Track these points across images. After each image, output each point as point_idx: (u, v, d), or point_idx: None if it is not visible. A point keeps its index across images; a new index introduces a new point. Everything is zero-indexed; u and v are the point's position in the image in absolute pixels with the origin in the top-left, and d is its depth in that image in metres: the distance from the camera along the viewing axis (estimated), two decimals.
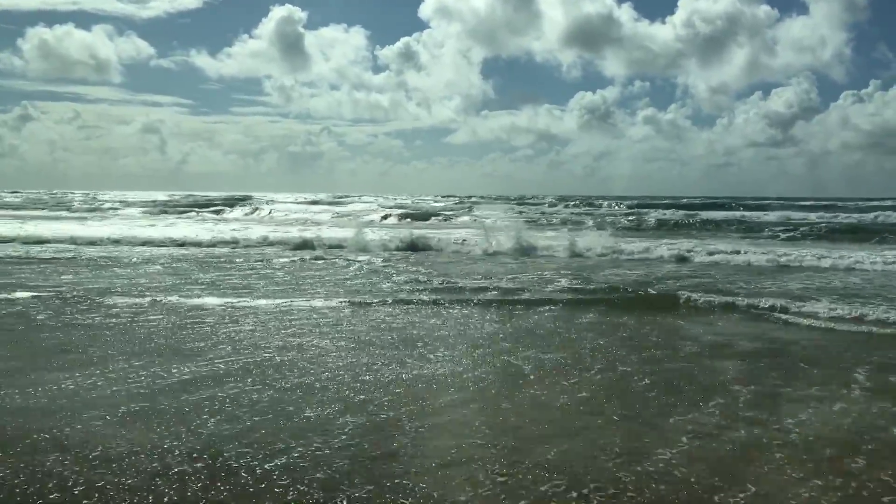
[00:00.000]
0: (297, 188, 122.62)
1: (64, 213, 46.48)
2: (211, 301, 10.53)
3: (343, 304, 10.49)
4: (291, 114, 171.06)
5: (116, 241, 22.33)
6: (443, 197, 78.79)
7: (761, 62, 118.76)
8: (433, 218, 39.58)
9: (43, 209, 51.56)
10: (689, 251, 17.49)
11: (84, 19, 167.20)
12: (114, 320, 9.03)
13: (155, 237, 23.42)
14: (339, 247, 20.57)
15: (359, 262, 16.50)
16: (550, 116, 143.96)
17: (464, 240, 20.46)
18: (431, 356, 7.26)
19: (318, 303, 10.51)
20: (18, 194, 79.33)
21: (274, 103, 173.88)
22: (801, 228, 28.18)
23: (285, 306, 10.13)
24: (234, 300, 10.60)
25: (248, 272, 14.64)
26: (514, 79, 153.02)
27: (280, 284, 12.73)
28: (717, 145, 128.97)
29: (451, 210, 48.06)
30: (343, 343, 7.83)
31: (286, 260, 17.25)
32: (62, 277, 13.40)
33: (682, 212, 43.81)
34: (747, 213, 41.44)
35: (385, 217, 40.54)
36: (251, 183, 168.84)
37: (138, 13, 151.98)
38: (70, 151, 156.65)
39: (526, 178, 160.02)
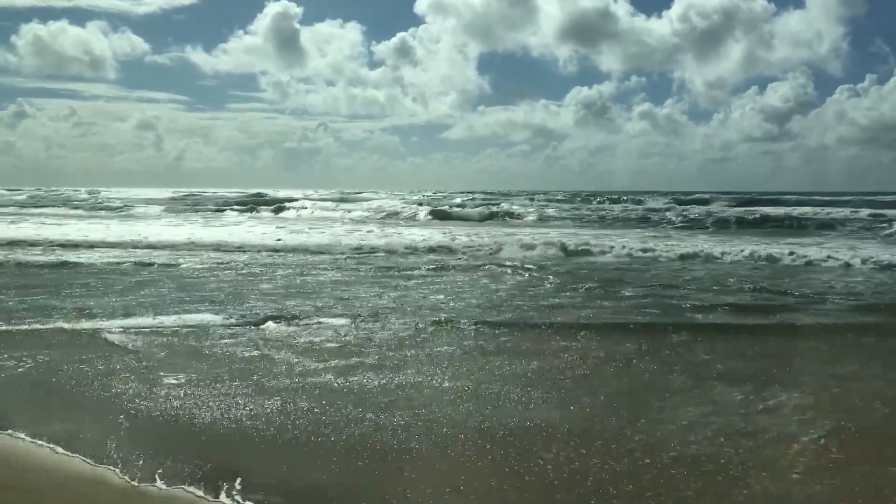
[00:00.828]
0: (294, 184, 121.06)
1: (85, 213, 44.91)
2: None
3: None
4: (287, 110, 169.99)
5: (194, 245, 21.46)
6: (453, 193, 78.24)
7: (758, 57, 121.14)
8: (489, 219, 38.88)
9: (58, 207, 49.73)
10: (849, 257, 17.40)
11: (78, 15, 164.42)
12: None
13: (252, 241, 22.59)
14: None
15: (536, 272, 15.94)
16: (547, 112, 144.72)
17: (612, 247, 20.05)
18: None
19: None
20: (19, 192, 76.35)
21: (270, 99, 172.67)
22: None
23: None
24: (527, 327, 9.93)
25: (462, 284, 14.01)
26: (510, 74, 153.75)
27: (530, 297, 12.14)
28: (713, 140, 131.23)
29: (472, 207, 47.47)
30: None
31: (458, 263, 16.60)
32: (256, 289, 12.71)
33: (714, 207, 44.14)
34: (781, 210, 41.73)
35: (441, 216, 39.82)
36: (248, 179, 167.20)
37: (133, 9, 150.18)
38: (66, 148, 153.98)
39: (522, 173, 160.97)
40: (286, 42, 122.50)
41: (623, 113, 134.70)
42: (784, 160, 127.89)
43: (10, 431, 5.34)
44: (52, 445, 5.03)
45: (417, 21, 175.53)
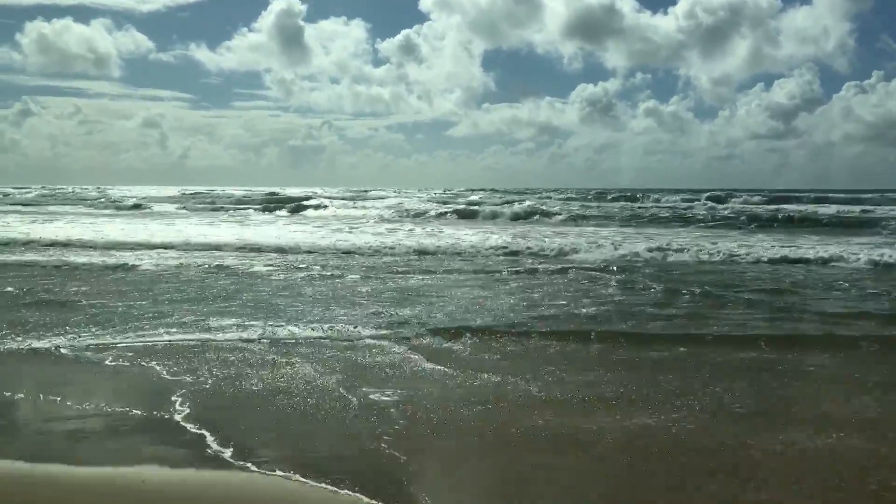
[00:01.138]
0: (299, 182, 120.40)
1: (108, 211, 44.07)
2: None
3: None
4: (292, 107, 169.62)
5: (246, 246, 20.71)
6: (461, 191, 77.61)
7: (764, 53, 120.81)
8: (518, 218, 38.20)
9: (75, 205, 48.82)
10: None
11: (83, 13, 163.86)
12: None
13: (305, 242, 21.92)
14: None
15: (626, 275, 15.40)
16: (552, 109, 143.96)
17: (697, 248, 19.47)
18: None
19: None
20: (27, 190, 75.06)
21: (274, 97, 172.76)
22: None
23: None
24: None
25: (566, 288, 13.47)
26: (515, 71, 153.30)
27: (654, 304, 11.61)
28: (718, 137, 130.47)
29: (491, 205, 46.72)
30: None
31: (536, 266, 15.99)
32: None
33: (744, 205, 43.68)
34: (807, 207, 41.24)
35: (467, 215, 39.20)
36: (253, 177, 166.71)
37: (137, 7, 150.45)
38: (71, 146, 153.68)
39: (527, 171, 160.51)
40: (290, 39, 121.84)
41: (628, 110, 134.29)
42: (790, 157, 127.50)
43: (279, 471, 4.65)
44: (332, 487, 4.35)
45: (422, 18, 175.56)
